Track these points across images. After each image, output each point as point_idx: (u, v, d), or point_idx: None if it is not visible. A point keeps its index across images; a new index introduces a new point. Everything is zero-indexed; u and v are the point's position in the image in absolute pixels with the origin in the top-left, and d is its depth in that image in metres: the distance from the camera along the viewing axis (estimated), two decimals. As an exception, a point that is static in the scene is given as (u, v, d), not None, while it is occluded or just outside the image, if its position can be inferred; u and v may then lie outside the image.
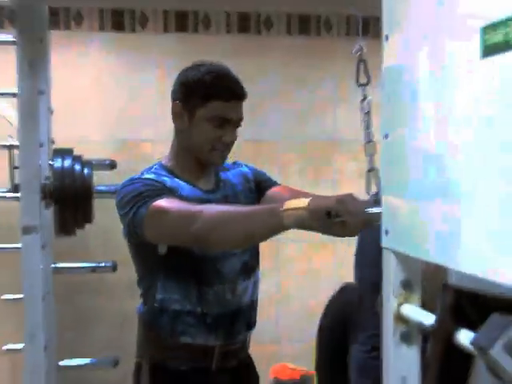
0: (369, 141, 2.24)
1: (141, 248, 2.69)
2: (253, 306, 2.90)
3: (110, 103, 5.07)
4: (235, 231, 2.36)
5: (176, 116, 2.73)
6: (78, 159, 3.79)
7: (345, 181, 5.33)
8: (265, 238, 2.41)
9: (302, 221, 2.17)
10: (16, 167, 3.69)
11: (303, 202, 2.15)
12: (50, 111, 4.01)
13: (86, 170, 3.77)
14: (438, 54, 1.53)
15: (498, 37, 1.30)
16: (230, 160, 2.89)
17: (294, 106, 5.31)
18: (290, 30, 5.26)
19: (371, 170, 2.22)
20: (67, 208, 3.70)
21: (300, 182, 5.05)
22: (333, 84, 5.32)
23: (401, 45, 1.71)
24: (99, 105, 5.04)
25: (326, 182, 5.29)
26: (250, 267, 2.85)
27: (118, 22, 5.02)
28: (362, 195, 2.18)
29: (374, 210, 2.06)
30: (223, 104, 2.64)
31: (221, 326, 2.78)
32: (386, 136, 1.79)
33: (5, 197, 3.88)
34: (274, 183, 2.93)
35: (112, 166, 4.27)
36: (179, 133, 2.76)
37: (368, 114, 2.28)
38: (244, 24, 5.21)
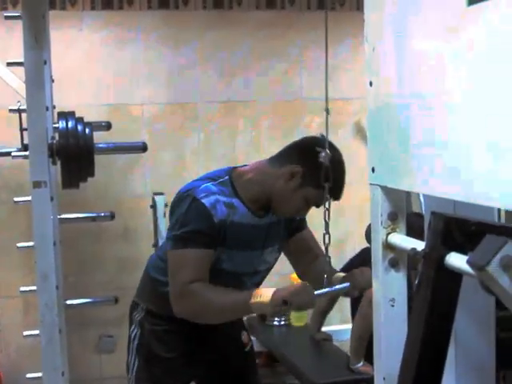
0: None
1: None
2: None
3: (102, 72, 4.97)
4: (211, 320, 2.67)
5: (288, 175, 2.55)
6: (80, 121, 3.71)
7: (310, 133, 5.26)
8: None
9: (264, 310, 2.55)
10: (25, 129, 3.60)
11: (267, 297, 2.43)
12: (52, 80, 3.90)
13: (87, 130, 3.68)
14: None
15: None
16: None
17: (264, 70, 5.20)
18: (258, 5, 5.15)
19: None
20: (72, 164, 3.63)
21: (270, 134, 5.14)
22: (297, 51, 5.21)
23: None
24: (92, 74, 4.94)
25: (293, 134, 5.20)
26: (264, 277, 2.89)
27: (107, 1, 4.90)
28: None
29: (322, 291, 2.52)
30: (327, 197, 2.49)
31: None
32: (371, 84, 1.72)
33: (15, 155, 3.78)
34: (305, 225, 2.91)
35: (108, 126, 4.20)
36: (276, 182, 2.59)
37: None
38: (218, 0, 5.09)
